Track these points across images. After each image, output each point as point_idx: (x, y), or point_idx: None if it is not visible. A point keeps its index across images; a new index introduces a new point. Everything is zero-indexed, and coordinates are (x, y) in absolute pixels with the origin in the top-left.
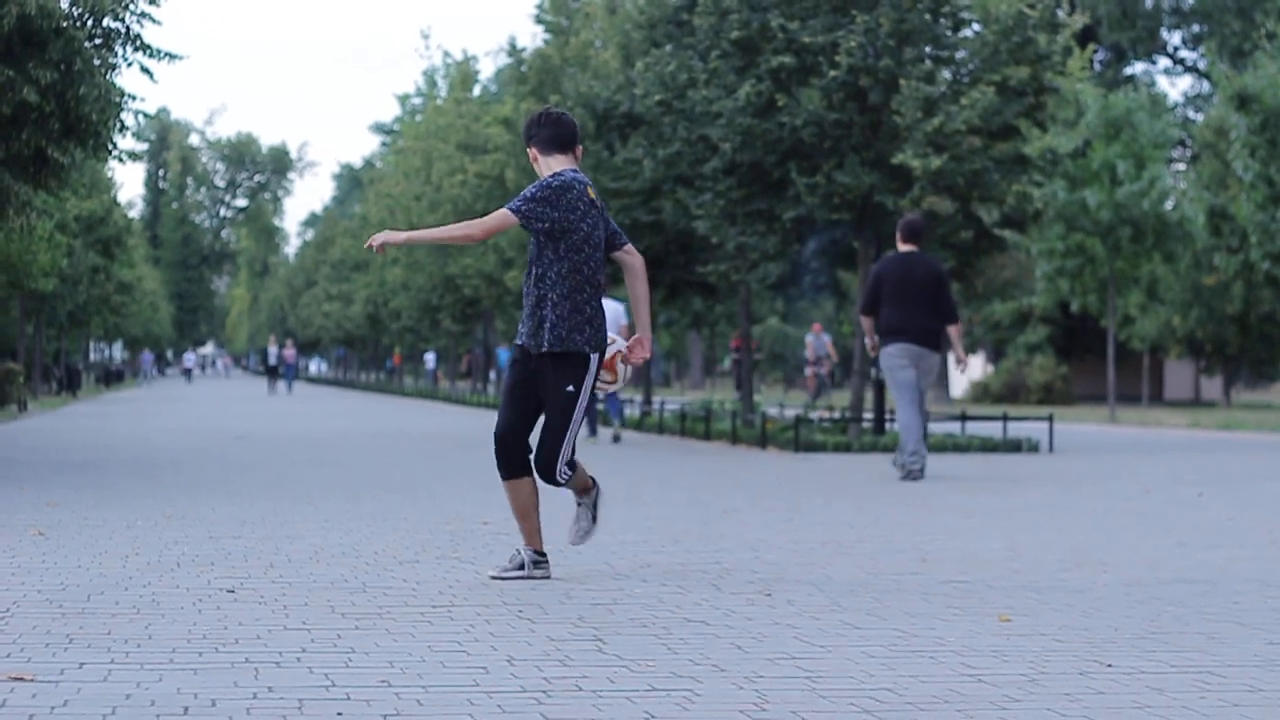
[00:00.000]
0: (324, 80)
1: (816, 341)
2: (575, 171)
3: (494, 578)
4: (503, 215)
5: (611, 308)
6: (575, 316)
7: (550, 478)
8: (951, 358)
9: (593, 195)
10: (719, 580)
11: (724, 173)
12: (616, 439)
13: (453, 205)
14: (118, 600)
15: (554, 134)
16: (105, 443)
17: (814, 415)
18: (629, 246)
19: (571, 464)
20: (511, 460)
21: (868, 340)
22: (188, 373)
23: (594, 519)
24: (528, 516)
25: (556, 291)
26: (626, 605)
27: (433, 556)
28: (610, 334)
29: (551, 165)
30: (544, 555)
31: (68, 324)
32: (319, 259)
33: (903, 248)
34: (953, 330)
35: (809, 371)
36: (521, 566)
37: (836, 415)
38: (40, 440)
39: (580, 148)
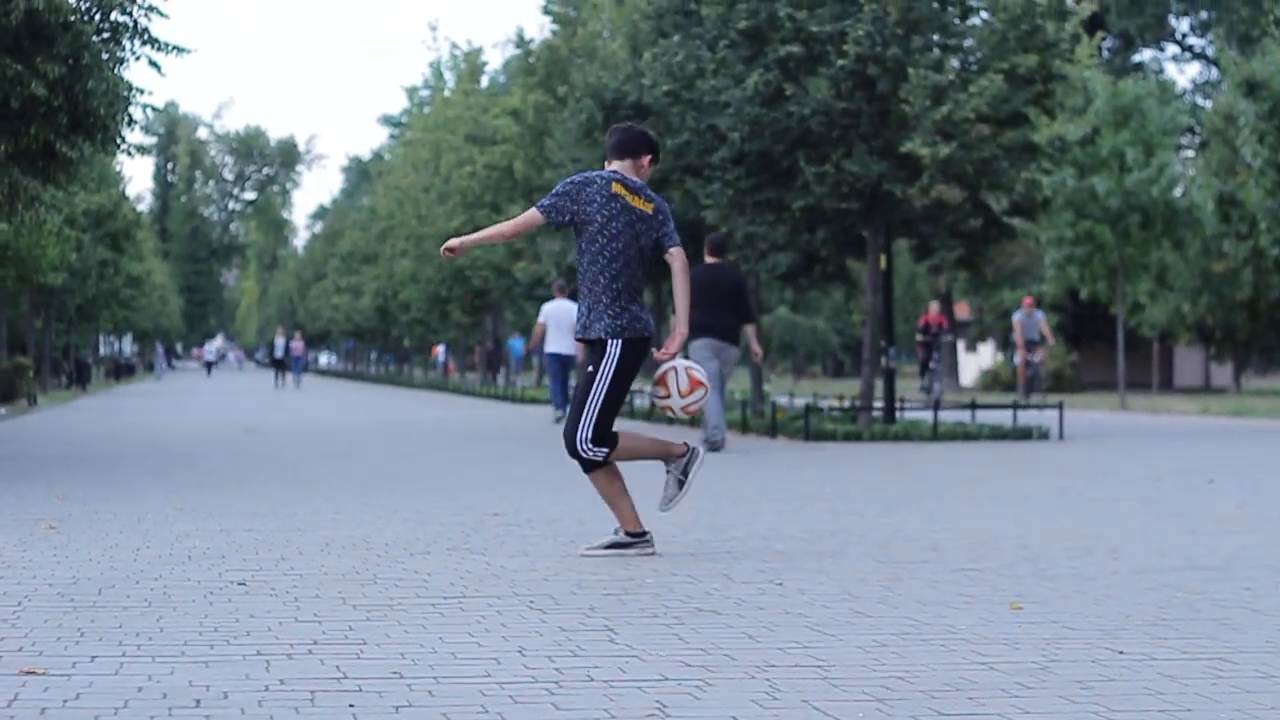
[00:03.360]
0: (332, 73)
1: (1028, 321)
2: (615, 172)
3: (584, 554)
4: (530, 213)
5: (565, 308)
6: (596, 306)
7: (572, 452)
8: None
9: (620, 191)
10: (730, 569)
11: (732, 162)
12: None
13: (461, 197)
14: (129, 594)
15: (616, 141)
16: (115, 436)
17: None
18: (673, 250)
19: (601, 441)
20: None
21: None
22: (209, 366)
23: (680, 485)
24: (614, 503)
25: (583, 284)
26: (637, 595)
27: (444, 548)
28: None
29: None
30: (640, 535)
31: (77, 318)
32: (328, 251)
33: (709, 260)
34: (749, 329)
35: (1018, 359)
36: (611, 546)
37: (846, 404)
38: (50, 434)
39: (648, 155)
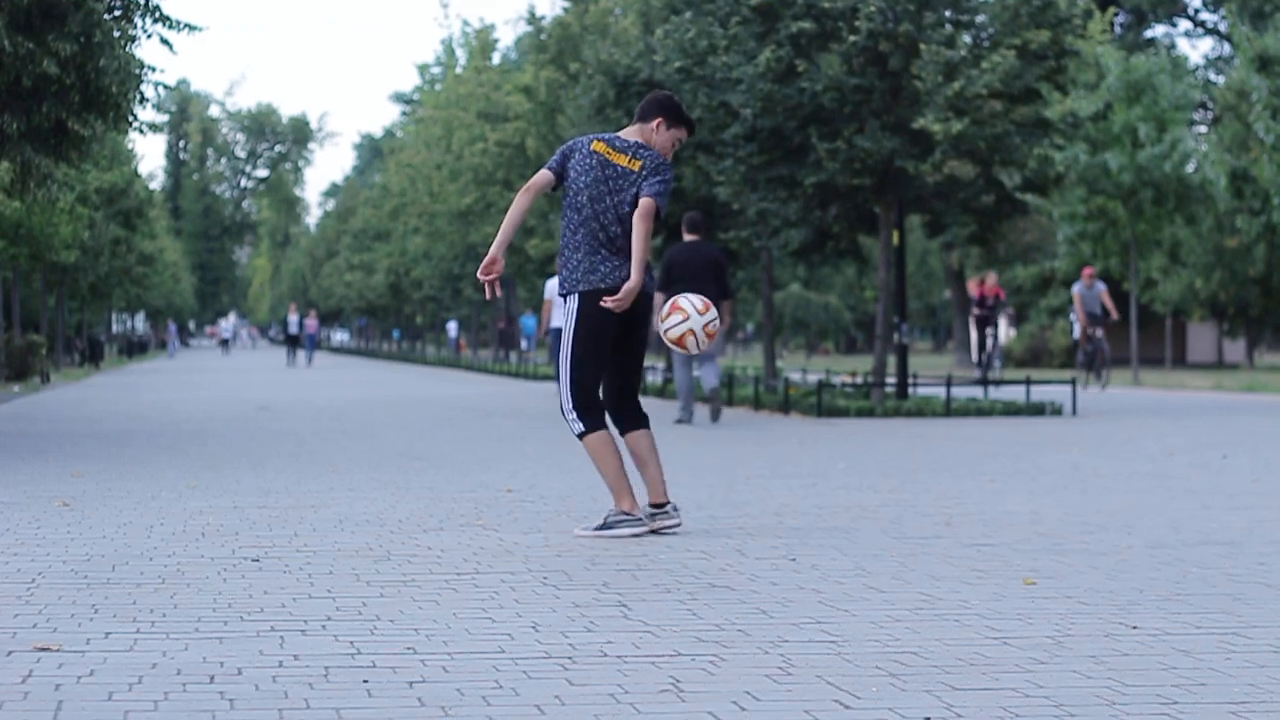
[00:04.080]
0: (344, 50)
1: (1088, 294)
2: (603, 133)
3: (578, 535)
4: (541, 173)
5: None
6: (560, 262)
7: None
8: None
9: (599, 148)
10: (743, 545)
11: (745, 139)
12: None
13: (473, 174)
14: (143, 570)
15: (637, 108)
16: (128, 414)
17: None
18: (642, 200)
19: (585, 409)
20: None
21: (655, 316)
22: (225, 343)
23: (603, 527)
24: (641, 468)
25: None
26: (651, 571)
27: (457, 524)
28: (698, 304)
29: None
30: (642, 512)
31: (89, 296)
32: (340, 229)
33: (688, 238)
34: (725, 304)
35: (1078, 335)
36: (601, 527)
37: (859, 380)
38: (63, 412)
39: (658, 119)
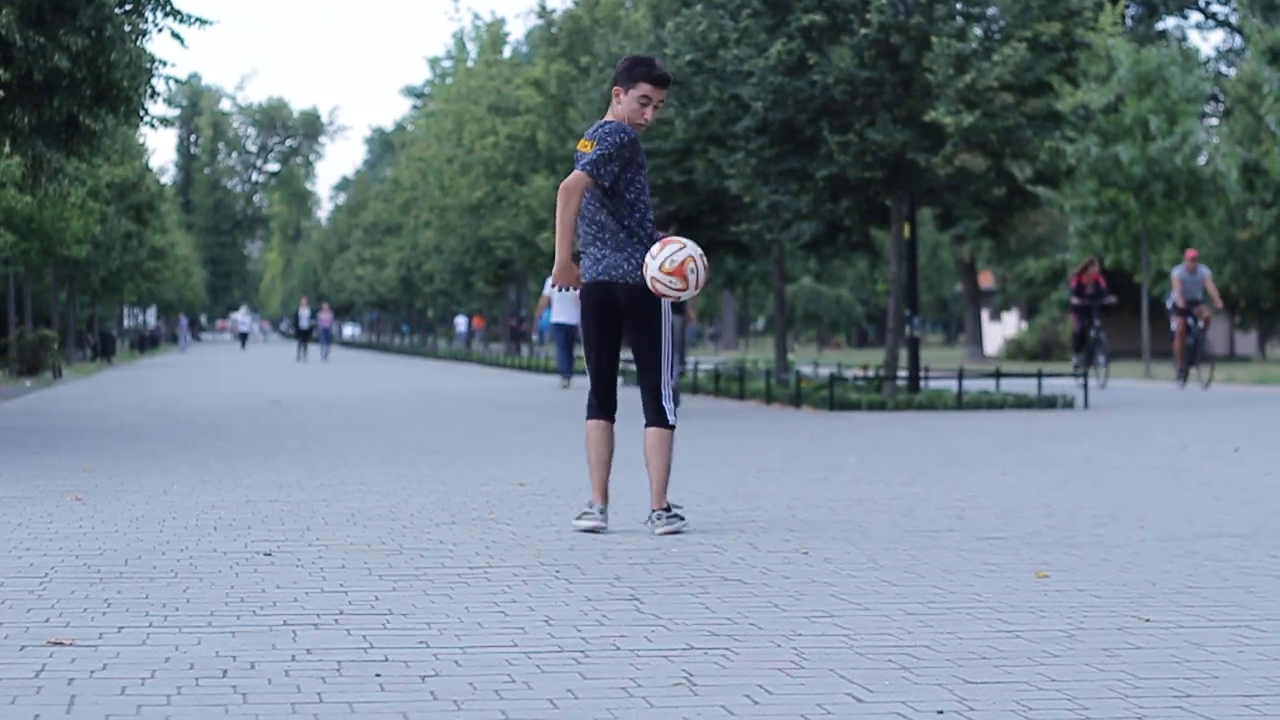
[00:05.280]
0: (355, 44)
1: (1189, 279)
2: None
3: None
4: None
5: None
6: None
7: None
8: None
9: (580, 144)
10: (755, 539)
11: (756, 132)
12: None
13: (484, 168)
14: (155, 564)
15: None
16: (140, 408)
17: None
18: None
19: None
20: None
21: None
22: (243, 337)
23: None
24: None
25: None
26: (663, 564)
27: (469, 518)
28: (677, 241)
29: None
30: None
31: (101, 290)
32: (351, 223)
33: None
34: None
35: (1176, 324)
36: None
37: (870, 373)
38: (75, 406)
39: (615, 88)
